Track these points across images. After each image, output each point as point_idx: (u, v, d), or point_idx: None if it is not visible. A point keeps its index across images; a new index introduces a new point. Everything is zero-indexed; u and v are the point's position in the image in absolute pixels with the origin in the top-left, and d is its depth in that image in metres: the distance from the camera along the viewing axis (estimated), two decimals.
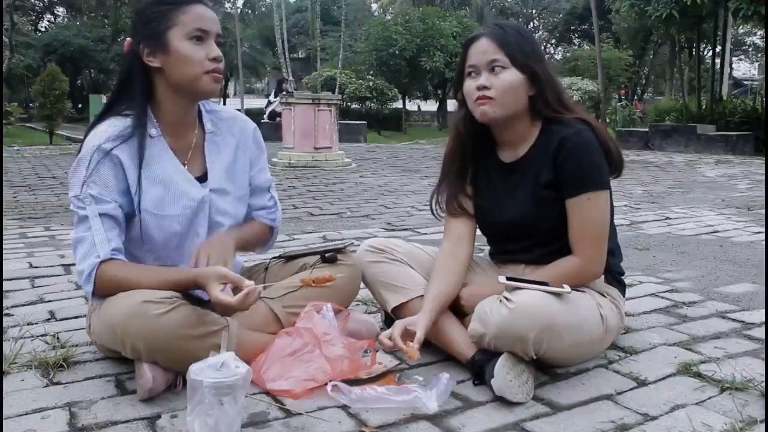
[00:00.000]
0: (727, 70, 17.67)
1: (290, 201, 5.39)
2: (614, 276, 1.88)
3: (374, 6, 38.34)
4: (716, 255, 3.27)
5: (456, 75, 1.83)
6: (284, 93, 13.90)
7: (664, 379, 1.70)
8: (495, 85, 1.70)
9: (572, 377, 1.71)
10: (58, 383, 1.66)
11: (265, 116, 15.07)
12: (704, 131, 11.29)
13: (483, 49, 1.72)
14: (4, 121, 13.90)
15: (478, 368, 1.63)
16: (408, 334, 1.65)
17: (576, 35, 34.40)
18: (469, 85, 1.74)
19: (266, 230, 1.99)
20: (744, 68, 40.54)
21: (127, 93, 1.71)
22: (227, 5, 25.00)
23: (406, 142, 15.91)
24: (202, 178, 1.78)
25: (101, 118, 1.71)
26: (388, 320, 1.92)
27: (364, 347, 1.72)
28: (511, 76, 1.70)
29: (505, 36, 1.72)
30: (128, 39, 1.73)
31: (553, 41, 37.38)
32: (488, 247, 2.05)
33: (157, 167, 1.70)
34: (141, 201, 1.67)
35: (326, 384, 1.57)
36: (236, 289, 1.55)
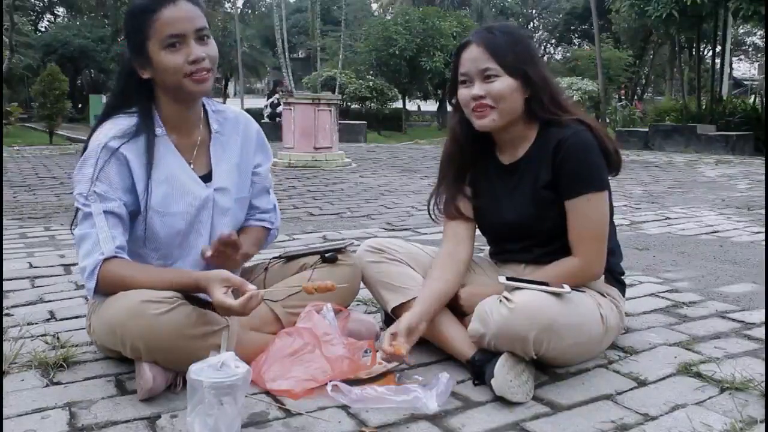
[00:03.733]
0: (727, 70, 17.67)
1: (290, 201, 5.39)
2: (614, 276, 1.88)
3: (374, 6, 38.34)
4: (716, 255, 3.27)
5: (450, 80, 1.83)
6: (278, 94, 13.96)
7: (664, 379, 1.70)
8: (490, 93, 1.69)
9: (572, 377, 1.71)
10: (58, 383, 1.66)
11: (265, 116, 15.19)
12: (704, 131, 11.29)
13: (473, 57, 1.71)
14: (4, 121, 13.89)
15: (478, 368, 1.63)
16: (411, 333, 1.65)
17: (576, 35, 34.40)
18: (464, 93, 1.74)
19: (263, 234, 1.98)
20: (744, 68, 40.59)
21: (128, 98, 1.72)
22: (227, 5, 24.98)
23: (406, 142, 15.92)
24: (207, 177, 1.78)
25: (107, 116, 1.72)
26: (388, 320, 1.91)
27: (364, 347, 1.72)
28: (505, 83, 1.69)
29: (494, 41, 1.70)
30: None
31: (553, 41, 37.39)
32: (488, 247, 2.05)
33: (162, 166, 1.70)
34: (149, 201, 1.67)
35: (326, 384, 1.57)
36: (238, 292, 1.55)
